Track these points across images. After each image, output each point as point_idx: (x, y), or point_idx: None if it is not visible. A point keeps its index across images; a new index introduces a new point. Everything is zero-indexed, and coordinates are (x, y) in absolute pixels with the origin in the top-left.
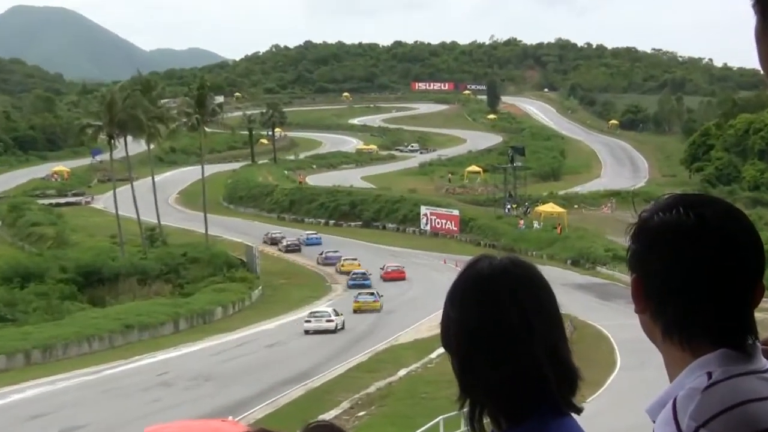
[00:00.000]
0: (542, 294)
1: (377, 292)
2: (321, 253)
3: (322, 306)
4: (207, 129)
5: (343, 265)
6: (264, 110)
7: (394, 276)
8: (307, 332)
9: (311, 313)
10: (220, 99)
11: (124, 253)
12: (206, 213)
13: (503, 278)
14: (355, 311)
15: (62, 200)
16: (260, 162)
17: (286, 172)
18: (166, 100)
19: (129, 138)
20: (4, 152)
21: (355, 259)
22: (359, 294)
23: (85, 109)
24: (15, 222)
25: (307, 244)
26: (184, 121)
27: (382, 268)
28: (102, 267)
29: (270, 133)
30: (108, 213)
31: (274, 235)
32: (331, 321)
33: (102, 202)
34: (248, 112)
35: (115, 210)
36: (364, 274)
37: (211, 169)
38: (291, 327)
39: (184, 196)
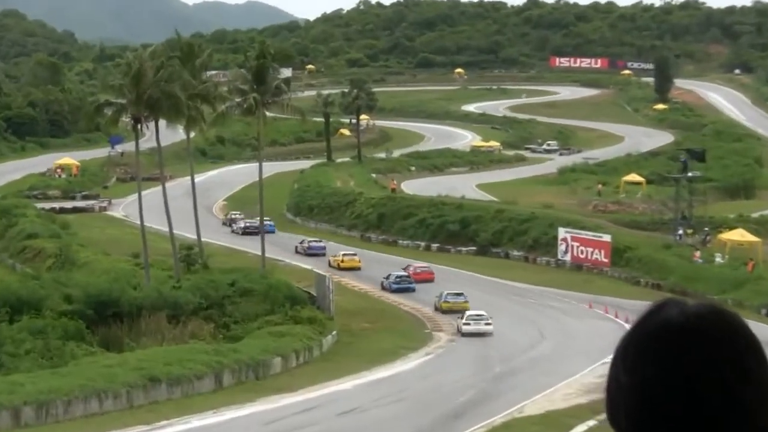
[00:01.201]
0: (753, 355)
1: (464, 293)
2: (302, 242)
3: (476, 311)
4: (268, 113)
5: (342, 261)
6: (346, 89)
7: (423, 277)
8: (464, 335)
9: (469, 315)
10: (286, 73)
11: (149, 280)
12: (263, 226)
13: (700, 332)
14: (444, 311)
15: (68, 204)
16: (339, 160)
17: (373, 175)
18: (213, 73)
19: (161, 123)
20: None
21: (355, 254)
22: (446, 294)
23: (103, 81)
24: (4, 233)
25: (309, 254)
26: (236, 102)
27: (404, 268)
28: (120, 297)
29: (353, 121)
30: (130, 223)
31: (233, 216)
32: (490, 324)
33: (122, 208)
34: (325, 92)
35: (139, 220)
36: (407, 277)
37: (271, 168)
38: (375, 389)
39: (234, 204)
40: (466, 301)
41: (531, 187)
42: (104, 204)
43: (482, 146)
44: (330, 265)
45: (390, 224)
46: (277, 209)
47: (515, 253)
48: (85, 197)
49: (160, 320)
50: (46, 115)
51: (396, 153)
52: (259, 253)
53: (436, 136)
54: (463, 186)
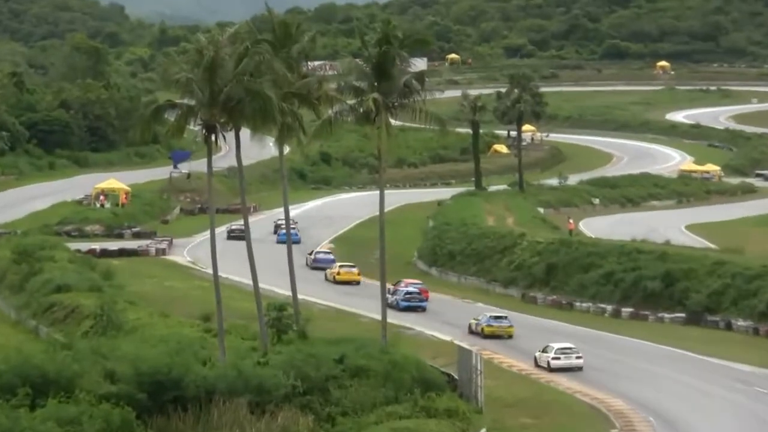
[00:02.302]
0: None
1: (509, 317)
2: (310, 253)
3: (562, 343)
4: (393, 121)
5: (338, 273)
6: (503, 89)
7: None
8: (552, 371)
9: (558, 349)
10: (420, 65)
11: (225, 353)
12: (384, 281)
13: None
14: (485, 336)
15: (113, 245)
16: (492, 188)
17: (541, 210)
18: (317, 63)
19: (244, 133)
20: (11, 150)
21: (354, 266)
22: (489, 317)
23: (164, 74)
24: (23, 282)
25: (314, 267)
26: (349, 105)
27: (396, 285)
28: (183, 376)
29: (513, 134)
30: (198, 273)
31: (278, 222)
32: (580, 358)
33: (187, 251)
34: (473, 92)
35: (212, 268)
36: (418, 294)
37: (397, 198)
38: None
39: (343, 246)
40: (510, 326)
41: (763, 229)
42: (163, 245)
43: (695, 171)
44: (326, 279)
45: (563, 279)
46: (404, 255)
47: (740, 322)
48: (136, 235)
49: (239, 409)
50: (85, 120)
51: (572, 179)
52: (378, 317)
53: (630, 155)
54: (668, 227)
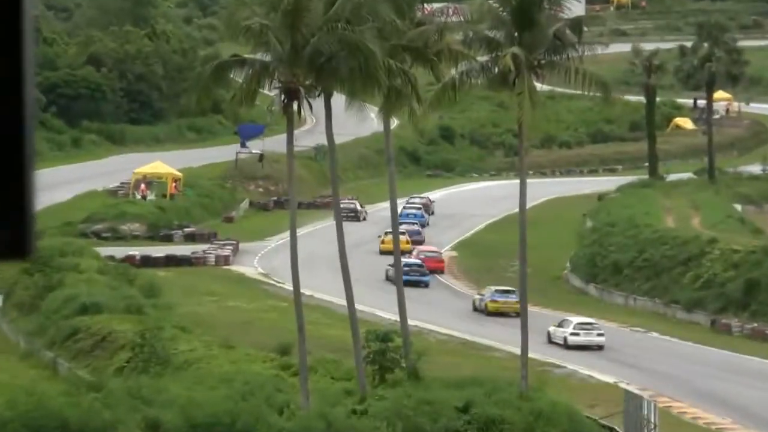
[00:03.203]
0: None
1: (516, 291)
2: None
3: (584, 318)
4: (539, 85)
5: (383, 241)
6: (688, 43)
7: (431, 266)
8: (569, 347)
9: (578, 324)
10: (576, 8)
11: (309, 397)
12: (525, 301)
13: None
14: (490, 313)
15: (158, 251)
16: (672, 177)
17: (738, 206)
18: (437, 6)
19: (337, 100)
20: None
21: (404, 233)
22: (494, 291)
23: (229, 18)
24: (37, 300)
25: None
26: (479, 64)
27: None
28: (252, 429)
29: (701, 104)
30: (273, 289)
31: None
32: (602, 335)
33: (258, 260)
34: (646, 47)
35: (292, 283)
36: (420, 266)
37: (542, 190)
38: None
39: (470, 253)
40: (517, 302)
41: None
42: (226, 251)
43: None
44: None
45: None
46: (552, 267)
47: None
48: (190, 238)
49: None
50: (121, 81)
51: None
52: (516, 350)
53: None
54: None
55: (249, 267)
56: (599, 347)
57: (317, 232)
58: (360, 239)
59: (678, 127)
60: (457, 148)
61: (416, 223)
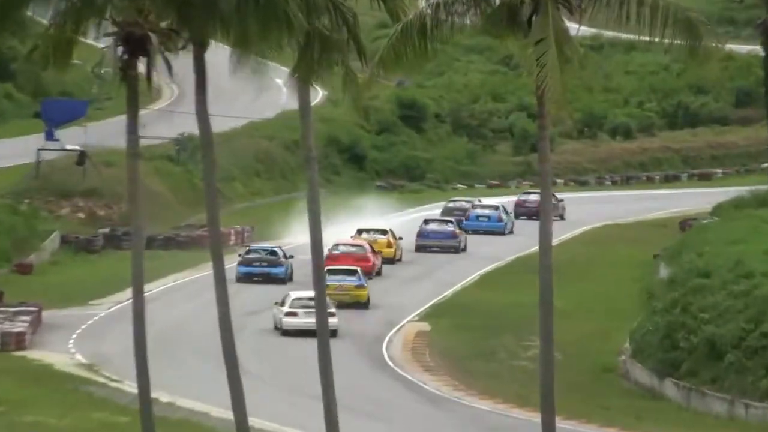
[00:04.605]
0: None
1: (360, 271)
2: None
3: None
4: (574, 25)
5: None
6: None
7: (350, 264)
8: (285, 333)
9: (296, 299)
10: None
11: None
12: (554, 413)
13: None
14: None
15: None
16: None
17: None
18: None
19: (218, 57)
20: None
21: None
22: (330, 273)
23: None
24: None
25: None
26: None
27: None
28: None
29: None
30: (107, 390)
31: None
32: (334, 315)
33: (80, 337)
34: None
35: (137, 380)
36: (273, 251)
37: (578, 207)
38: None
39: (448, 323)
40: (361, 286)
41: None
42: (20, 325)
43: None
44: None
45: None
46: (599, 349)
47: None
48: None
49: None
50: None
51: None
52: None
53: None
54: None
55: (61, 353)
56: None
57: (187, 288)
58: (266, 299)
59: None
60: (429, 140)
61: (451, 222)
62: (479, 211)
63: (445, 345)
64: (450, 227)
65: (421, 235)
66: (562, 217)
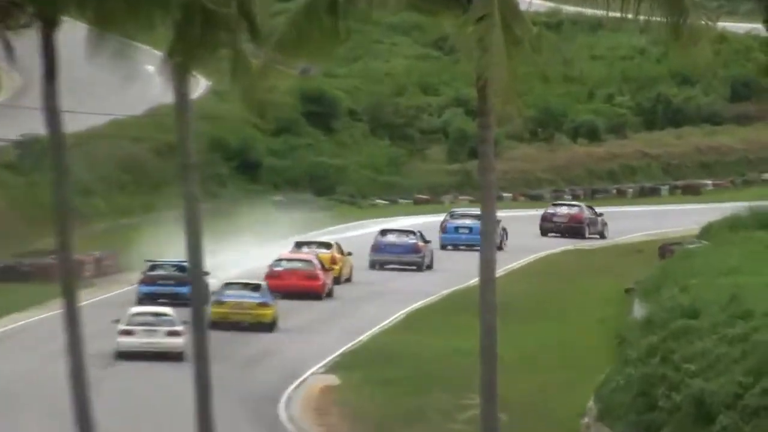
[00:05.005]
0: None
1: (265, 286)
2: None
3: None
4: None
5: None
6: None
7: (293, 286)
8: (120, 357)
9: (136, 314)
10: None
11: None
12: None
13: None
14: (214, 322)
15: None
16: None
17: None
18: None
19: (71, 37)
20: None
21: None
22: (226, 288)
23: None
24: None
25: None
26: None
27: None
28: None
29: None
30: None
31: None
32: (178, 335)
33: None
34: None
35: None
36: (182, 267)
37: (532, 228)
38: None
39: (363, 375)
40: (266, 303)
41: None
42: None
43: None
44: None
45: None
46: (558, 408)
47: None
48: None
49: None
50: None
51: None
52: None
53: None
54: None
55: None
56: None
57: (34, 331)
58: None
59: None
60: (341, 143)
61: (413, 233)
62: (458, 222)
63: (359, 404)
64: (412, 239)
65: (377, 249)
66: (602, 235)
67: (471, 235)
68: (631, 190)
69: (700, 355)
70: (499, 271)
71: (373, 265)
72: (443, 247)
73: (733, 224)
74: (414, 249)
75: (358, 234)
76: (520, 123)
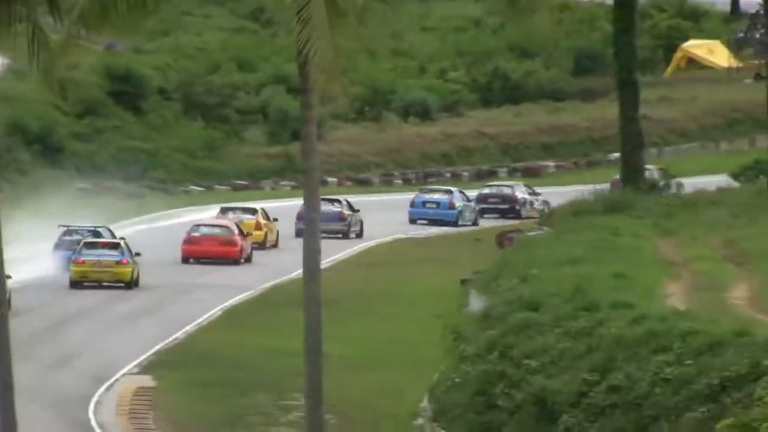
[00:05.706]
0: None
1: (125, 245)
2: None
3: None
4: None
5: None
6: None
7: (210, 252)
8: None
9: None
10: None
11: None
12: None
13: None
14: (75, 281)
15: None
16: (685, 185)
17: None
18: None
19: None
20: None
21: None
22: (85, 247)
23: None
24: None
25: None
26: None
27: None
28: None
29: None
30: None
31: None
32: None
33: None
34: None
35: None
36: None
37: (367, 217)
38: None
39: (182, 376)
40: (123, 261)
41: None
42: None
43: None
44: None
45: None
46: (389, 407)
47: None
48: None
49: None
50: None
51: None
52: None
53: None
54: None
55: None
56: None
57: None
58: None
59: (690, 62)
60: (151, 125)
61: (338, 201)
62: (426, 197)
63: (176, 407)
64: (337, 207)
65: (302, 217)
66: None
67: (438, 210)
68: (467, 173)
69: (541, 351)
70: (324, 262)
71: (299, 233)
72: (412, 221)
73: (577, 210)
74: (339, 217)
75: (167, 224)
76: (345, 102)
